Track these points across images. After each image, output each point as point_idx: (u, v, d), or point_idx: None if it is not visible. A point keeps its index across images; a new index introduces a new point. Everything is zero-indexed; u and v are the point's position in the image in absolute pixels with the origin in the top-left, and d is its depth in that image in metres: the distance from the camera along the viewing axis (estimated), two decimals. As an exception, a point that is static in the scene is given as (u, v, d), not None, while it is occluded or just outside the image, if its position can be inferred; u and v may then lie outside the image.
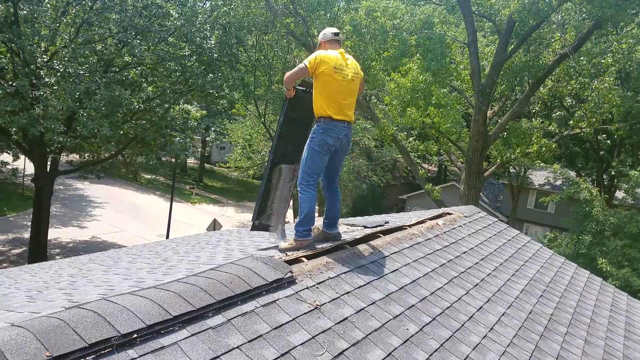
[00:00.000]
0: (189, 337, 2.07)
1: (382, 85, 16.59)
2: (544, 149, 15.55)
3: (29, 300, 3.10)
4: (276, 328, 2.37)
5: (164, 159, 20.01)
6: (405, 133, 23.44)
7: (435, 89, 14.71)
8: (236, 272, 2.65)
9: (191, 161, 42.05)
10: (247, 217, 29.35)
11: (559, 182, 25.29)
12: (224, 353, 2.06)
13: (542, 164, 19.52)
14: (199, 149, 38.98)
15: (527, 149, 16.07)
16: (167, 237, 20.88)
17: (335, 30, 3.81)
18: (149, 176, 35.03)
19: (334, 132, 3.59)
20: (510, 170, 27.47)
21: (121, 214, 26.66)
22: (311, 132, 3.66)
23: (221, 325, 2.22)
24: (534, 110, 21.81)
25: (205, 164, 42.47)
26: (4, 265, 17.92)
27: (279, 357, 2.18)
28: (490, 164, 19.33)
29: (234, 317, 2.31)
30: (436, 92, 14.67)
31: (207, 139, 38.09)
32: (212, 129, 34.87)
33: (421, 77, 14.47)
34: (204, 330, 2.15)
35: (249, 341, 2.20)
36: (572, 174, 22.25)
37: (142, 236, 22.99)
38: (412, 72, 14.69)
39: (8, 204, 25.55)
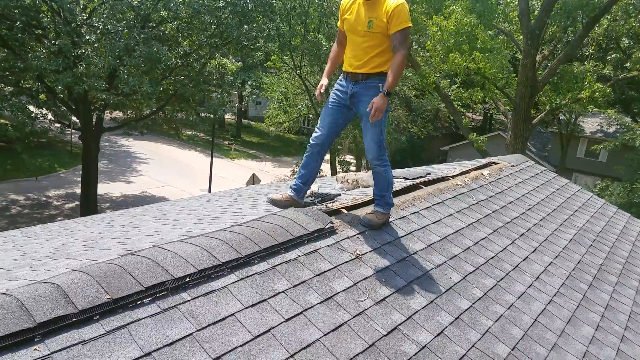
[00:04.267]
0: (237, 281, 2.16)
1: (424, 30, 15.83)
2: (597, 94, 14.61)
3: (86, 249, 3.29)
4: (319, 275, 2.42)
5: (202, 114, 20.26)
6: (448, 80, 22.50)
7: (481, 32, 13.92)
8: (279, 222, 2.71)
9: (229, 117, 42.36)
10: (285, 171, 29.63)
11: (612, 129, 23.88)
12: (271, 297, 2.14)
13: (595, 110, 18.43)
14: (236, 104, 39.12)
15: (579, 95, 15.15)
16: (209, 191, 21.48)
17: None
18: (190, 132, 35.73)
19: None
20: (560, 118, 26.10)
21: (165, 170, 27.51)
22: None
23: (267, 271, 2.29)
24: (587, 53, 20.38)
25: (243, 119, 42.71)
26: (59, 218, 19.06)
27: (322, 302, 2.24)
28: (538, 111, 18.41)
29: (279, 264, 2.37)
30: (482, 36, 13.89)
31: (244, 93, 38.11)
32: (249, 82, 34.77)
33: (465, 19, 13.70)
34: (251, 275, 2.23)
35: (293, 286, 2.26)
36: (628, 119, 20.89)
37: (185, 190, 23.76)
38: (456, 14, 13.91)
39: (58, 161, 26.69)
